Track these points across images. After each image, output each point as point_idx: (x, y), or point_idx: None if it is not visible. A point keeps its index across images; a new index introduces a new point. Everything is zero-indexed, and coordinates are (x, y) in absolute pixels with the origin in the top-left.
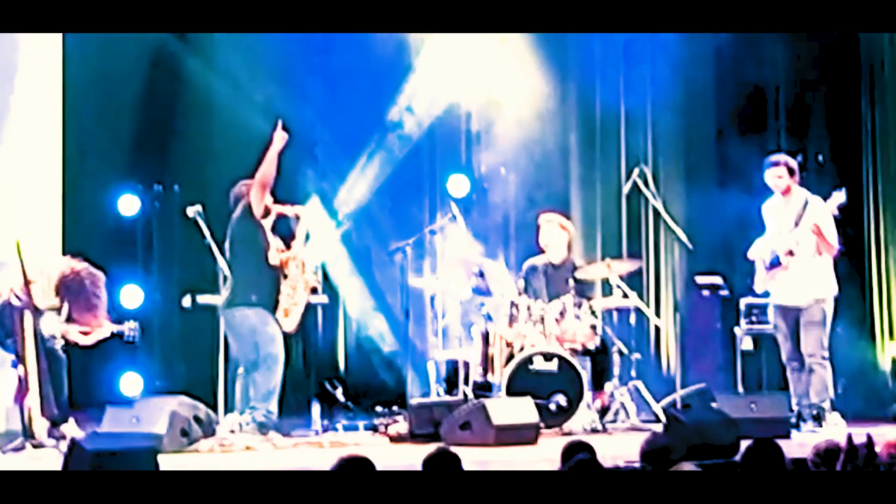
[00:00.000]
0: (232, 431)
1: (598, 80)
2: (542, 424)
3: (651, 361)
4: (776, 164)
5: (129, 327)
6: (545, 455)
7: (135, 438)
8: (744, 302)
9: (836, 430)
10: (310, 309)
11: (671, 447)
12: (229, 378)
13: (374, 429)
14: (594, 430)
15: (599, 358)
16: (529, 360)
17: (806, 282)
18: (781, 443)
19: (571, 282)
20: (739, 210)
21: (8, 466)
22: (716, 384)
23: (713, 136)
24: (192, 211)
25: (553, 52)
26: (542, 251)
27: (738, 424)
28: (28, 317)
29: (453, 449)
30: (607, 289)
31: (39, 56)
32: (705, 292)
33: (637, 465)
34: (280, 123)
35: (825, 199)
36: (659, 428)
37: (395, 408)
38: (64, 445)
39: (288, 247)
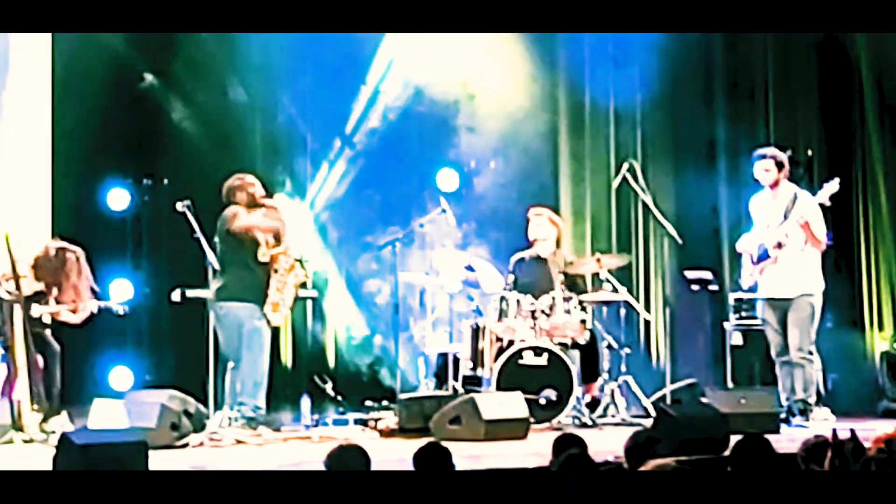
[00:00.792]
0: (221, 426)
1: (588, 74)
2: (532, 419)
3: (641, 356)
4: (764, 157)
5: (118, 301)
6: (535, 449)
7: (124, 433)
8: (733, 297)
9: (824, 424)
10: (299, 303)
11: (656, 441)
12: (219, 372)
13: (364, 423)
14: (584, 425)
15: (589, 352)
16: (519, 354)
17: (794, 275)
18: (771, 437)
19: (561, 276)
20: (728, 204)
21: None
22: (705, 379)
23: (703, 131)
24: (181, 205)
25: (542, 44)
26: (531, 245)
27: (728, 419)
28: (17, 309)
29: (443, 443)
30: (597, 283)
31: (28, 51)
32: (694, 287)
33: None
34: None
35: (816, 190)
36: (649, 422)
37: (384, 402)
38: (54, 439)
39: (277, 242)
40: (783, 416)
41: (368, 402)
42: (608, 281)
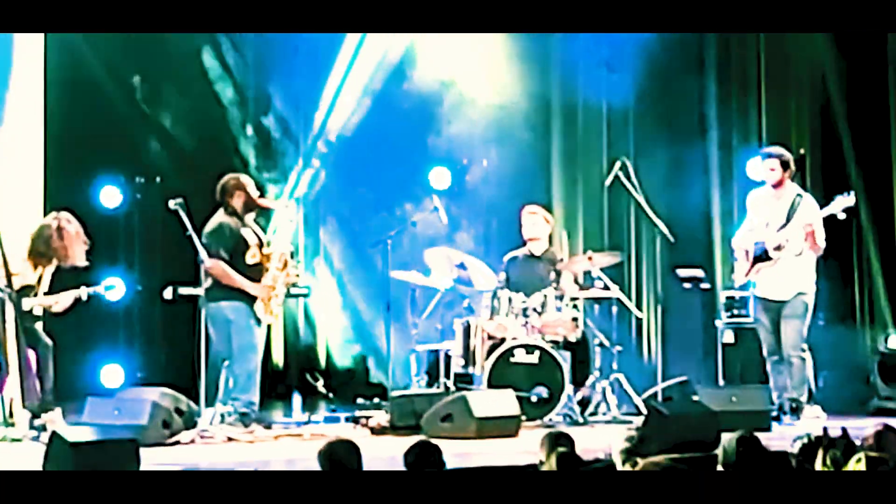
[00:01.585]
0: (213, 423)
1: (580, 71)
2: (523, 416)
3: (632, 354)
4: (770, 155)
5: (105, 285)
6: (526, 447)
7: (116, 430)
8: (724, 295)
9: (815, 422)
10: (290, 301)
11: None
12: (210, 370)
13: (356, 421)
14: (575, 423)
15: (581, 350)
16: (511, 352)
17: (790, 277)
18: (762, 435)
19: (553, 274)
20: (721, 203)
21: None
22: (697, 377)
23: (695, 129)
24: (173, 203)
25: (533, 42)
26: (524, 243)
27: (719, 417)
28: (9, 306)
29: (434, 441)
30: (589, 281)
31: (21, 49)
32: (686, 284)
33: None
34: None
35: (826, 198)
36: (640, 420)
37: (376, 400)
38: (45, 437)
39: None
40: (774, 413)
41: (360, 400)
42: (600, 279)
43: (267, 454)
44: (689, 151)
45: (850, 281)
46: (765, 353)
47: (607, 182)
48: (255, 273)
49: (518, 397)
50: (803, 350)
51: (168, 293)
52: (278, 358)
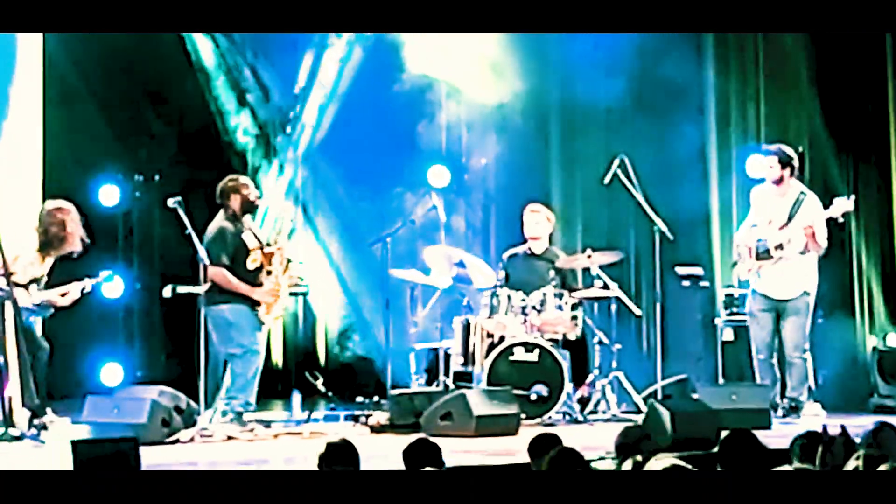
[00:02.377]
0: (211, 422)
1: (580, 69)
2: (522, 415)
3: (632, 352)
4: (769, 153)
5: (104, 276)
6: (526, 446)
7: (115, 428)
8: (723, 293)
9: (815, 420)
10: (290, 299)
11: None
12: (210, 368)
13: (355, 419)
14: (575, 421)
15: (580, 349)
16: (510, 350)
17: (792, 277)
18: (762, 433)
19: (552, 272)
20: (719, 200)
21: None
22: (696, 375)
23: (694, 126)
24: (172, 201)
25: (532, 40)
26: (524, 241)
27: (719, 415)
28: (8, 307)
29: (434, 439)
30: (588, 279)
31: (21, 47)
32: (685, 282)
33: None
34: None
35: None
36: (640, 418)
37: (375, 398)
38: (44, 436)
39: (269, 242)
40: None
41: (359, 398)
42: (599, 277)
43: (266, 452)
44: (688, 149)
45: (847, 279)
46: (754, 350)
47: (606, 180)
48: (256, 276)
49: (517, 395)
50: (805, 350)
51: (167, 291)
52: (277, 356)
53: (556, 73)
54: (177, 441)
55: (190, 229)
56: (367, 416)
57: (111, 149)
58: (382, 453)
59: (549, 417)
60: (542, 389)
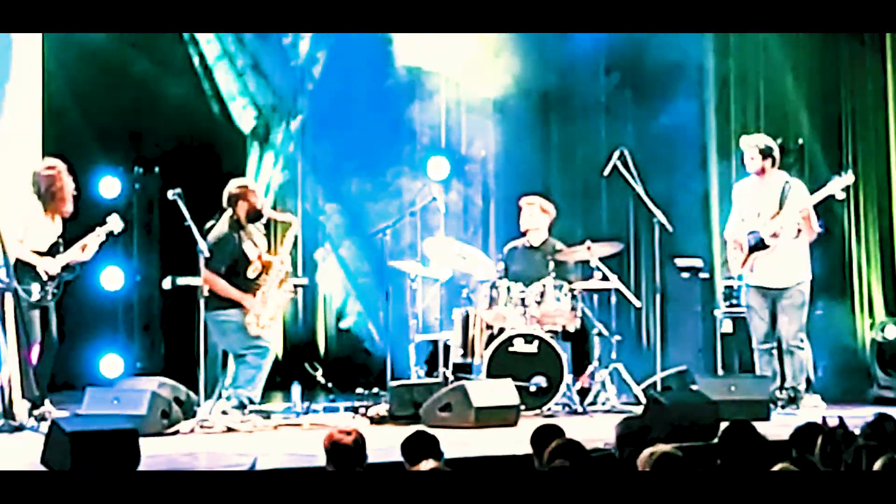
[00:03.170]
0: (211, 412)
1: (579, 63)
2: (522, 406)
3: (631, 343)
4: (748, 145)
5: (111, 220)
6: (525, 437)
7: (115, 420)
8: (723, 284)
9: (814, 411)
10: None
11: (647, 428)
12: (209, 360)
13: (355, 410)
14: (574, 412)
15: (580, 340)
16: (510, 342)
17: (787, 264)
18: (761, 425)
19: (552, 264)
20: (719, 192)
21: None
22: (696, 366)
23: (694, 118)
24: (172, 193)
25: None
26: (523, 234)
27: (718, 406)
28: (8, 298)
29: (433, 430)
30: (588, 271)
31: (19, 41)
32: (685, 274)
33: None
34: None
35: (824, 181)
36: (639, 410)
37: (375, 389)
38: (45, 427)
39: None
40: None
41: (359, 390)
42: (599, 268)
43: (266, 444)
44: (688, 141)
45: (846, 269)
46: (754, 342)
47: (606, 171)
48: (255, 284)
49: (517, 387)
50: (802, 340)
51: (167, 283)
52: (277, 348)
53: (554, 62)
54: (177, 432)
55: (190, 221)
56: (367, 408)
57: (111, 141)
58: (382, 445)
59: (549, 409)
60: (541, 381)
